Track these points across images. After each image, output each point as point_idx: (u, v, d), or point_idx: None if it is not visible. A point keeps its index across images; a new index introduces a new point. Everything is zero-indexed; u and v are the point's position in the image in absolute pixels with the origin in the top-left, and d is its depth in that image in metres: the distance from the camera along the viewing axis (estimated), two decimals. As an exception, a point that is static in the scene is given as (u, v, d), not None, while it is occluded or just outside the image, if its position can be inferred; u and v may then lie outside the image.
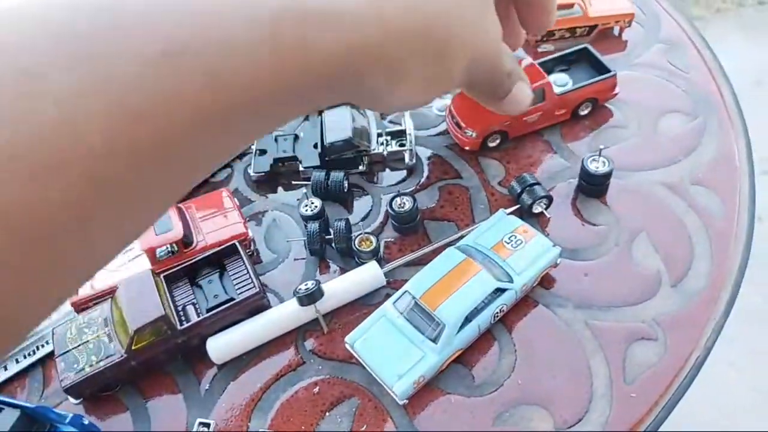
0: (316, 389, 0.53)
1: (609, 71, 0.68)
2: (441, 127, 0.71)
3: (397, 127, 0.69)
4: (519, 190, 0.61)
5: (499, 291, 0.53)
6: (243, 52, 0.19)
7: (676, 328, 0.53)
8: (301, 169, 0.68)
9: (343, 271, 0.60)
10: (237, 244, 0.58)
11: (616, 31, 0.79)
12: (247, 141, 0.23)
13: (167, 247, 0.57)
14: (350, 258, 0.61)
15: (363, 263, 0.59)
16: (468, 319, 0.52)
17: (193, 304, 0.56)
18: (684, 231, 0.60)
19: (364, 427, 0.50)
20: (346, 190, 0.65)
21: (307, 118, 0.74)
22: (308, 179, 0.65)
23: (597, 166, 0.61)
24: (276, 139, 0.69)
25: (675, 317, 0.54)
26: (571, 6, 0.76)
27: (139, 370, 0.54)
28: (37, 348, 0.57)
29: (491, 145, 0.67)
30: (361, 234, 0.60)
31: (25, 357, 0.57)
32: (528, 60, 0.68)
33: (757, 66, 2.02)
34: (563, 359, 0.53)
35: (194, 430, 0.51)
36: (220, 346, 0.55)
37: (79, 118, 0.17)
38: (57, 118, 0.17)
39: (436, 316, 0.51)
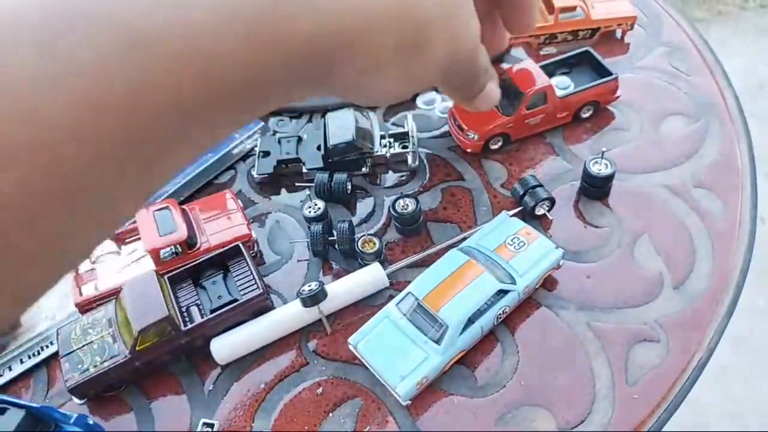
0: (320, 390, 0.53)
1: (611, 74, 0.68)
2: (443, 129, 0.71)
3: (400, 129, 0.69)
4: (521, 192, 0.61)
5: (502, 293, 0.53)
6: (212, 39, 0.19)
7: (678, 330, 0.54)
8: (304, 170, 0.68)
9: (346, 272, 0.60)
10: (241, 245, 0.58)
11: (618, 34, 0.79)
12: (218, 133, 0.22)
13: (171, 249, 0.58)
14: (353, 259, 0.61)
15: (366, 265, 0.59)
16: (471, 321, 0.52)
17: (197, 305, 0.56)
18: (686, 233, 0.60)
19: (368, 428, 0.51)
20: (349, 192, 0.65)
21: (310, 120, 0.74)
22: (311, 181, 0.66)
23: (599, 169, 0.61)
24: (279, 141, 0.70)
25: (677, 319, 0.54)
26: (573, 9, 0.76)
27: (143, 370, 0.54)
28: (42, 348, 0.57)
29: (493, 147, 0.68)
30: (364, 235, 0.60)
31: (29, 357, 0.57)
32: (530, 62, 0.68)
33: (759, 69, 2.02)
34: (566, 361, 0.53)
35: (198, 430, 0.51)
36: (224, 346, 0.55)
37: (41, 109, 0.17)
38: (18, 108, 0.16)
39: (439, 317, 0.51)
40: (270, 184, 0.69)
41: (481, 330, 0.53)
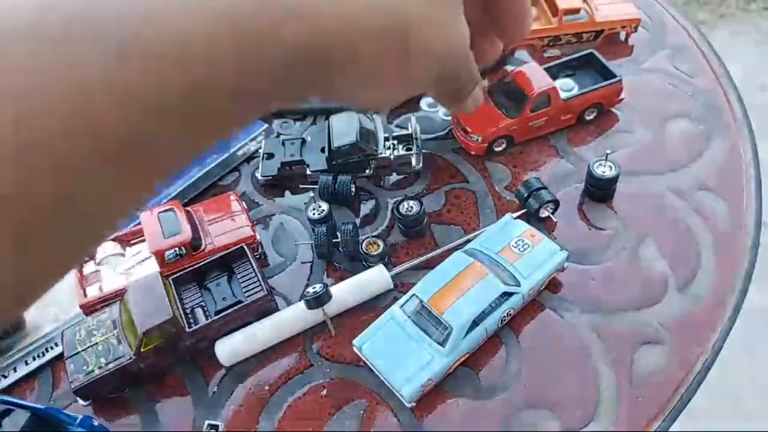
0: (324, 392, 0.53)
1: (615, 76, 0.68)
2: (447, 132, 0.71)
3: (404, 132, 0.69)
4: (526, 195, 0.61)
5: (507, 295, 0.53)
6: (204, 48, 0.19)
7: (683, 332, 0.54)
8: (308, 172, 0.68)
9: (350, 274, 0.60)
10: (245, 247, 0.58)
11: (622, 36, 0.79)
12: (207, 141, 0.23)
13: (176, 250, 0.58)
14: (357, 261, 0.61)
15: (370, 266, 0.59)
16: (475, 323, 0.52)
17: (202, 306, 0.56)
18: (690, 235, 0.60)
19: (372, 429, 0.51)
20: (353, 194, 0.65)
21: (314, 122, 0.74)
22: (315, 183, 0.66)
23: (603, 171, 0.61)
24: (283, 143, 0.70)
25: (682, 321, 0.54)
26: (577, 11, 0.76)
27: (147, 372, 0.54)
28: (47, 350, 0.58)
29: (497, 149, 0.68)
30: (368, 237, 0.60)
31: (34, 359, 0.57)
32: (534, 64, 0.68)
33: (761, 71, 2.02)
34: (570, 363, 0.53)
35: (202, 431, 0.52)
36: (229, 348, 0.55)
37: (32, 115, 0.17)
38: (11, 116, 0.16)
39: (444, 319, 0.51)
40: (274, 186, 0.69)
41: (485, 332, 0.53)
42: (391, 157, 0.67)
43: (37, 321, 0.59)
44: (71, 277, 0.59)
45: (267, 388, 0.54)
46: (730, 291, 0.56)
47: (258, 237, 0.61)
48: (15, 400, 0.47)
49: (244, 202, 0.65)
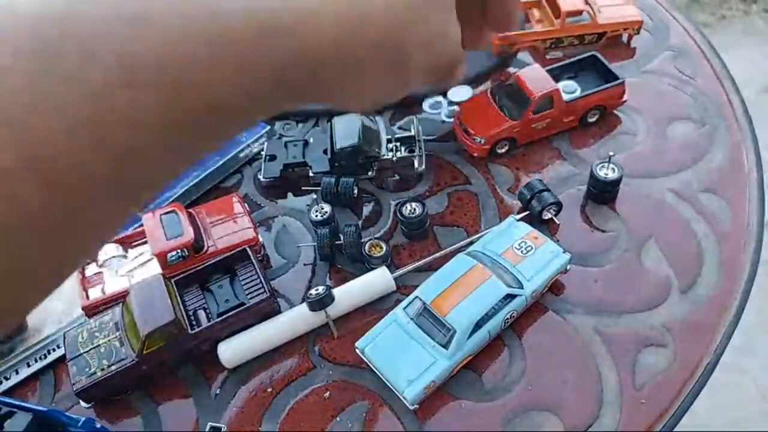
0: (327, 394, 0.53)
1: (617, 78, 0.68)
2: (450, 134, 0.71)
3: (407, 133, 0.69)
4: (528, 197, 0.61)
5: (510, 297, 0.53)
6: (204, 65, 0.20)
7: (685, 334, 0.53)
8: (310, 174, 0.68)
9: (353, 276, 0.60)
10: (247, 249, 0.58)
11: (624, 38, 0.79)
12: (201, 151, 0.23)
13: (178, 252, 0.58)
14: (360, 263, 0.61)
15: (373, 268, 0.59)
16: (478, 325, 0.52)
17: (204, 308, 0.56)
18: (693, 237, 0.60)
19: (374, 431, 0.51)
20: (355, 196, 0.65)
21: (317, 124, 0.74)
22: (318, 185, 0.66)
23: (606, 173, 0.61)
24: (286, 145, 0.70)
25: (685, 323, 0.54)
26: (579, 13, 0.76)
27: (150, 374, 0.54)
28: (49, 352, 0.57)
29: (500, 151, 0.68)
30: (371, 239, 0.60)
31: (36, 361, 0.57)
32: (536, 66, 0.68)
33: (764, 73, 2.01)
34: (573, 365, 0.53)
35: (205, 434, 0.51)
36: (231, 350, 0.55)
37: (32, 131, 0.17)
38: (9, 137, 0.17)
39: (447, 321, 0.51)
40: (276, 188, 0.69)
41: (488, 334, 0.53)
42: (394, 158, 0.67)
43: (40, 323, 0.59)
44: (73, 279, 0.59)
45: (269, 390, 0.54)
46: (734, 293, 0.56)
47: (260, 239, 0.61)
48: (17, 402, 0.47)
49: (246, 204, 0.64)
